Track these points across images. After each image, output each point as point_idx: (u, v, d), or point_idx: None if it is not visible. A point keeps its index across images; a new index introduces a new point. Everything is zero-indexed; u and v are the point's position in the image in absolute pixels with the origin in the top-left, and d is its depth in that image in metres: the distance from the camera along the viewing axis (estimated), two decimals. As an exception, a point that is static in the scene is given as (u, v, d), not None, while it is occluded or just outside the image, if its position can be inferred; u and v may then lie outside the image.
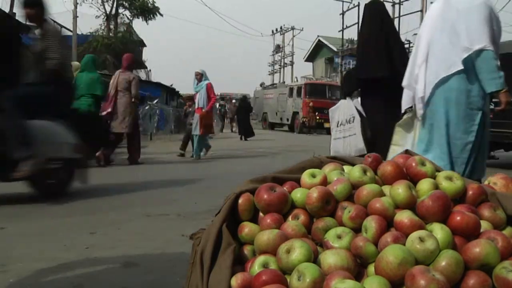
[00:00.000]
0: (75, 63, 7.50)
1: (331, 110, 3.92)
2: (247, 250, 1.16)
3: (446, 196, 1.07)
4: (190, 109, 9.30)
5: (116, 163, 6.91)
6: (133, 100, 6.73)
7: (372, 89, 3.56)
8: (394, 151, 2.89)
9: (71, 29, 19.52)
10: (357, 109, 3.62)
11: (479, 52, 2.51)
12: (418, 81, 2.75)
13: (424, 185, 1.17)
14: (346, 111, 3.69)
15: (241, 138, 15.13)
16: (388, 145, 3.08)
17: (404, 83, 2.89)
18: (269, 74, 42.33)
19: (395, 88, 3.14)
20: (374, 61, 3.50)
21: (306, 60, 39.07)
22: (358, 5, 26.83)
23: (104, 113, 6.56)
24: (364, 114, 3.59)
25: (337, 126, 3.75)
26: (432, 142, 2.68)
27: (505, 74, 2.71)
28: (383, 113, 3.48)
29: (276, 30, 40.22)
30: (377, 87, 3.48)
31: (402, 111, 3.00)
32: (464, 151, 2.57)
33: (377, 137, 3.51)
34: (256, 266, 1.06)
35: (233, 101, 24.75)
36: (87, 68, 6.40)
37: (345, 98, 3.81)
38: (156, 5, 24.27)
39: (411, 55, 2.95)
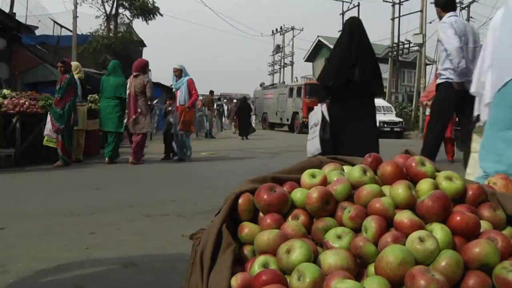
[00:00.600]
0: (75, 63, 7.56)
1: (309, 115, 4.35)
2: (247, 250, 1.16)
3: (446, 196, 1.07)
4: (170, 108, 8.21)
5: (119, 162, 6.94)
6: (148, 102, 7.20)
7: (340, 95, 3.87)
8: (474, 158, 2.92)
9: (71, 29, 19.52)
10: (323, 113, 3.91)
11: None
12: (484, 88, 2.81)
13: (424, 185, 1.17)
14: (316, 116, 4.04)
15: (242, 139, 15.17)
16: (351, 144, 3.56)
17: (472, 90, 2.94)
18: (269, 74, 42.36)
19: (361, 94, 3.70)
20: (328, 72, 3.95)
21: (306, 60, 39.09)
22: (358, 5, 26.87)
23: (129, 120, 7.08)
24: (327, 118, 3.91)
25: (310, 129, 4.17)
26: None
27: None
28: (347, 116, 3.83)
29: (276, 30, 40.25)
30: (345, 93, 3.81)
31: (474, 119, 2.94)
32: None
33: (340, 137, 3.88)
34: (256, 266, 1.06)
35: (234, 101, 24.75)
36: (114, 73, 7.08)
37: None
38: (156, 5, 24.27)
39: (478, 62, 2.91)
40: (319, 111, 4.00)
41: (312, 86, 20.85)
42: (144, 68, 7.32)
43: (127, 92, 7.00)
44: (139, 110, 6.98)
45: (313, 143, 4.02)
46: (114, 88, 6.86)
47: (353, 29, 4.00)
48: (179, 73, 7.39)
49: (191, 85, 7.38)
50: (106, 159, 6.94)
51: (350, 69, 3.76)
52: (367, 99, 3.84)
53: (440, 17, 4.21)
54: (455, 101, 3.99)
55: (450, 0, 4.23)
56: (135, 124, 6.99)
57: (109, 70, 7.31)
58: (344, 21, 5.22)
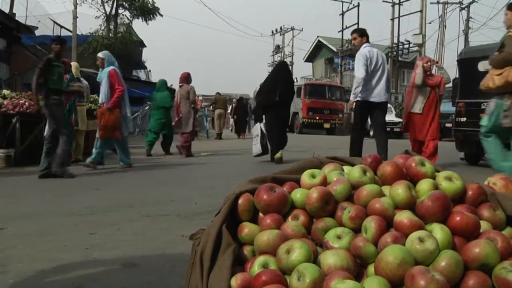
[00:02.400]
0: (74, 63, 7.59)
1: (252, 129, 7.33)
2: (247, 250, 1.17)
3: (445, 197, 1.07)
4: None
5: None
6: (192, 106, 8.26)
7: (269, 109, 6.83)
8: None
9: (71, 30, 19.52)
10: (261, 129, 6.94)
11: None
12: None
13: (424, 185, 1.17)
14: (256, 131, 7.10)
15: (239, 137, 15.29)
16: (275, 130, 6.81)
17: None
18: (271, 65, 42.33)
19: (283, 107, 6.85)
20: (267, 94, 6.81)
21: (305, 61, 39.10)
22: (358, 6, 26.90)
23: (173, 123, 8.62)
24: (264, 131, 6.91)
25: (254, 138, 7.17)
26: None
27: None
28: (274, 122, 6.81)
29: (276, 30, 40.23)
30: (273, 108, 6.75)
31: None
32: None
33: (274, 136, 6.82)
34: (256, 267, 1.06)
35: (233, 100, 24.78)
36: (161, 89, 8.94)
37: (257, 122, 7.27)
38: (156, 5, 24.29)
39: None
40: (259, 127, 7.00)
41: (312, 87, 20.87)
42: (187, 79, 8.41)
43: (174, 100, 8.44)
44: (180, 115, 8.19)
45: (256, 147, 7.04)
46: (161, 100, 8.64)
47: (278, 69, 7.26)
48: (102, 62, 6.26)
49: (113, 77, 6.09)
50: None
51: (272, 93, 6.68)
52: (285, 107, 7.01)
53: (359, 44, 5.79)
54: (361, 112, 5.72)
55: (366, 33, 5.90)
56: (179, 126, 8.23)
57: (157, 86, 9.09)
58: (279, 64, 7.98)
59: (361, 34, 5.80)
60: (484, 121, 4.20)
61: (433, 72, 6.25)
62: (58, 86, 5.65)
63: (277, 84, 6.68)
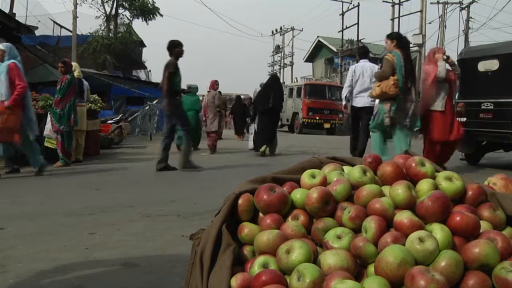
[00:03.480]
0: (75, 64, 7.59)
1: (249, 128, 9.61)
2: (247, 250, 1.16)
3: (445, 197, 1.07)
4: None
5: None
6: (218, 109, 9.56)
7: (264, 113, 8.36)
8: None
9: (71, 30, 19.52)
10: (254, 128, 8.61)
11: None
12: None
13: (424, 185, 1.17)
14: (251, 129, 9.00)
15: (239, 138, 15.25)
16: (267, 130, 8.37)
17: None
18: (269, 75, 42.31)
19: (275, 112, 8.43)
20: (262, 101, 8.36)
21: (306, 61, 39.05)
22: (358, 6, 26.88)
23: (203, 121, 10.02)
24: (256, 129, 8.55)
25: (250, 135, 9.09)
26: None
27: (506, 74, 3.17)
28: (267, 123, 8.30)
29: (276, 30, 40.20)
30: (266, 112, 8.30)
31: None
32: None
33: (262, 135, 8.37)
34: (255, 267, 1.06)
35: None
36: (192, 93, 9.73)
37: (252, 122, 9.06)
38: (156, 5, 24.29)
39: None
40: (253, 127, 8.83)
41: (312, 87, 20.85)
42: (214, 85, 9.77)
43: (203, 103, 9.79)
44: (207, 116, 9.49)
45: (251, 143, 8.85)
46: (191, 103, 9.40)
47: (270, 81, 8.83)
48: (2, 55, 5.46)
49: (12, 71, 5.31)
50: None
51: (266, 101, 8.26)
52: (276, 112, 8.61)
53: (357, 61, 6.95)
54: (353, 115, 6.90)
55: (363, 51, 7.05)
56: (206, 126, 9.51)
57: (187, 92, 9.99)
58: (271, 76, 9.55)
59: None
60: (372, 121, 5.37)
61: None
62: (179, 87, 6.22)
63: (270, 93, 8.29)
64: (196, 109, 9.74)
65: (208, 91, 9.87)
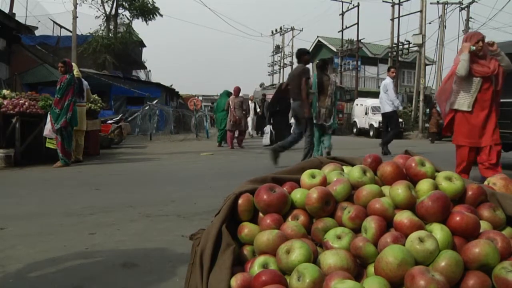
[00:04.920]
0: (73, 64, 7.61)
1: (264, 128, 11.86)
2: (246, 250, 1.16)
3: (445, 197, 1.07)
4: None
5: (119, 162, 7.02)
6: (244, 112, 11.11)
7: (277, 112, 10.91)
8: None
9: (71, 30, 19.50)
10: (270, 128, 11.06)
11: None
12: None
13: (424, 185, 1.17)
14: (267, 129, 11.30)
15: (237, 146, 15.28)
16: (282, 128, 10.96)
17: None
18: (269, 75, 42.25)
19: (285, 112, 10.50)
20: (273, 102, 11.48)
21: (305, 61, 38.98)
22: (358, 6, 26.86)
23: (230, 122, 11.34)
24: (272, 129, 11.12)
25: (265, 134, 11.36)
26: None
27: (506, 74, 2.99)
28: (281, 123, 10.92)
29: (276, 30, 40.17)
30: (279, 112, 10.82)
31: None
32: None
33: (278, 134, 10.20)
34: (255, 267, 1.06)
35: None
36: (223, 96, 11.87)
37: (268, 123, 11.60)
38: (156, 5, 24.28)
39: None
40: (269, 127, 11.14)
41: (312, 87, 20.84)
42: (238, 92, 11.34)
43: (230, 106, 11.07)
44: (236, 117, 10.86)
45: (266, 140, 10.91)
46: (223, 105, 11.41)
47: (278, 89, 11.98)
48: None
49: None
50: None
51: (278, 102, 10.63)
52: (285, 114, 10.44)
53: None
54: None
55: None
56: (234, 125, 10.98)
57: (221, 95, 12.41)
58: (280, 85, 12.05)
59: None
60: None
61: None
62: (310, 93, 6.61)
63: (277, 99, 10.74)
64: (226, 110, 11.67)
65: (235, 96, 11.38)
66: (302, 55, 6.61)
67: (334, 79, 6.95)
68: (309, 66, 6.89)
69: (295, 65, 8.46)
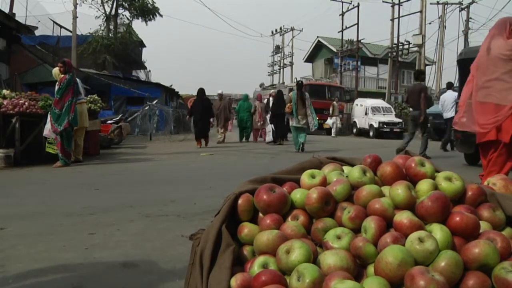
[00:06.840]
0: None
1: (267, 127, 13.29)
2: (246, 250, 1.16)
3: (445, 197, 1.07)
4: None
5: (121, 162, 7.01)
6: (269, 114, 13.32)
7: (278, 115, 12.09)
8: None
9: (71, 30, 19.50)
10: (272, 127, 12.68)
11: None
12: None
13: (424, 185, 1.17)
14: (269, 127, 12.96)
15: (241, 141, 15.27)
16: (281, 134, 12.92)
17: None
18: (268, 75, 42.30)
19: (282, 114, 11.73)
20: (276, 106, 12.20)
21: (305, 61, 39.04)
22: (358, 6, 26.88)
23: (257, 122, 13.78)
24: (274, 128, 12.66)
25: (268, 132, 13.06)
26: None
27: None
28: (281, 122, 12.40)
29: (276, 30, 40.19)
30: (280, 115, 11.96)
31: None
32: None
33: (279, 132, 12.55)
34: (255, 267, 1.06)
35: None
36: (245, 99, 14.34)
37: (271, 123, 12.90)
38: (155, 5, 24.29)
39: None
40: (271, 126, 12.79)
41: (312, 87, 20.88)
42: (261, 98, 13.76)
43: (257, 109, 13.38)
44: (263, 119, 13.14)
45: (269, 137, 12.78)
46: (246, 108, 13.69)
47: (278, 95, 12.66)
48: None
49: None
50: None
51: (281, 105, 11.28)
52: (284, 114, 11.29)
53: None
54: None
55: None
56: (259, 124, 13.26)
57: (243, 98, 14.68)
58: (278, 91, 13.15)
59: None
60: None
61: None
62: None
63: (279, 103, 12.08)
64: (249, 111, 13.63)
65: (259, 102, 13.67)
66: (421, 75, 8.58)
67: (307, 96, 9.85)
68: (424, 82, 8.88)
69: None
